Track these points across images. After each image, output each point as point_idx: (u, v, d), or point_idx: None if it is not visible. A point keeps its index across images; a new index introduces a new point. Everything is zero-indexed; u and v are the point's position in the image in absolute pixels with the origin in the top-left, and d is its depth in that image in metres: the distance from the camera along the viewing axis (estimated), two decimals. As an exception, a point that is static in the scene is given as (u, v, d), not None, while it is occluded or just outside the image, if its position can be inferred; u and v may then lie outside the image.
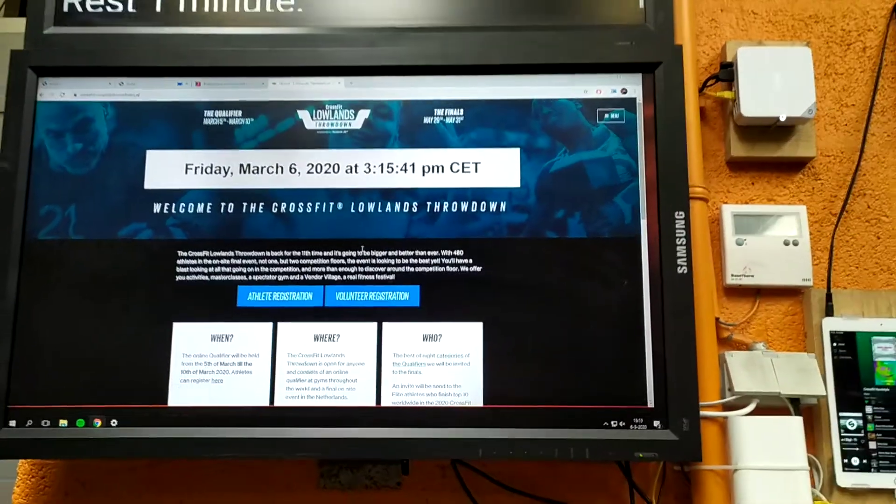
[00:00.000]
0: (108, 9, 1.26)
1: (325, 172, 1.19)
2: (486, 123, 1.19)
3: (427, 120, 1.20)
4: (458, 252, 1.16)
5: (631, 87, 1.20)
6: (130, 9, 1.26)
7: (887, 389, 1.20)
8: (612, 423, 1.10)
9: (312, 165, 1.19)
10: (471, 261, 1.16)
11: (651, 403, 1.11)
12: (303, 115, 1.20)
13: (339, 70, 1.21)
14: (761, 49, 1.31)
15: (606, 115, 1.19)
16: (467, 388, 1.12)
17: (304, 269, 1.16)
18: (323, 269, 1.16)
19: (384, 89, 1.21)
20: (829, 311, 1.24)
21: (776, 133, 1.32)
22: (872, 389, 1.20)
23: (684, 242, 1.13)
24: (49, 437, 1.11)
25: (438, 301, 1.15)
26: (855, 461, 1.18)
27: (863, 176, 1.34)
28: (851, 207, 1.33)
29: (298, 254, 1.16)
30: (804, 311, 1.28)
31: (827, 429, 1.20)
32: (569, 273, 1.15)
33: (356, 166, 1.19)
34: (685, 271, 1.13)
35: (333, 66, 1.21)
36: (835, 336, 1.22)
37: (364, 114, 1.20)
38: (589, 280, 1.14)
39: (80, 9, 1.26)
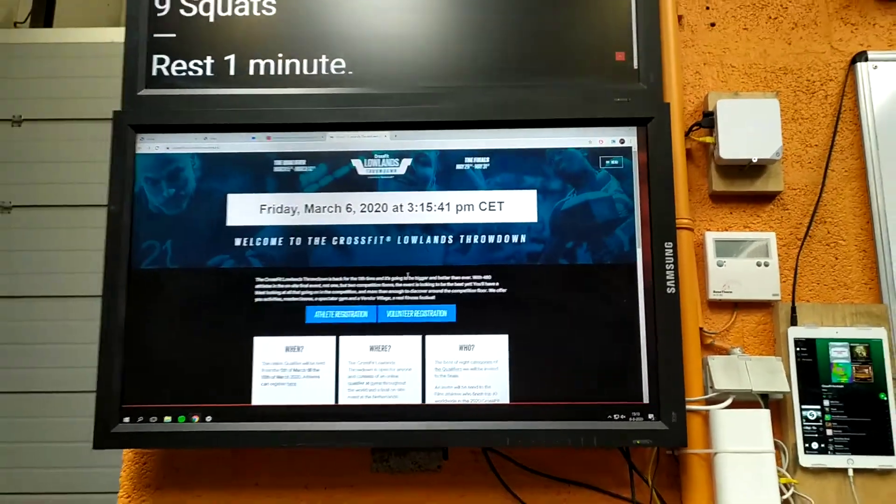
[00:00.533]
0: (191, 73, 1.51)
1: (376, 211, 1.44)
2: (508, 169, 1.44)
3: (459, 166, 1.45)
4: (487, 276, 1.41)
5: (628, 137, 1.45)
6: (209, 73, 1.51)
7: (841, 386, 1.45)
8: (615, 416, 1.35)
9: (365, 205, 1.44)
10: (497, 283, 1.41)
11: (646, 399, 1.36)
12: (356, 163, 1.45)
13: (386, 125, 1.46)
14: (737, 101, 1.56)
15: (607, 162, 1.44)
16: (496, 389, 1.37)
17: (360, 292, 1.41)
18: (376, 292, 1.41)
19: (423, 141, 1.46)
20: (793, 322, 1.49)
21: (750, 171, 1.57)
22: (829, 386, 1.45)
23: (672, 267, 1.39)
24: (157, 431, 1.36)
25: (471, 317, 1.40)
26: (815, 445, 1.44)
27: (824, 206, 1.59)
28: (814, 233, 1.58)
29: (355, 279, 1.41)
30: (774, 321, 1.53)
31: (791, 419, 1.45)
32: (578, 293, 1.40)
33: (401, 206, 1.44)
34: (673, 291, 1.38)
35: (381, 122, 1.46)
36: (798, 342, 1.48)
37: (407, 161, 1.45)
38: (594, 299, 1.40)
39: (166, 73, 1.51)
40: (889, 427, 1.42)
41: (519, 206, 1.43)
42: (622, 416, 1.35)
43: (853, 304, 1.52)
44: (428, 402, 1.38)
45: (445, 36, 1.51)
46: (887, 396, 1.43)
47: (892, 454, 1.41)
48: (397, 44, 1.51)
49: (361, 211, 1.44)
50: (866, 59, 1.63)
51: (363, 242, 1.43)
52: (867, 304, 1.51)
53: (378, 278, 1.41)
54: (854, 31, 1.67)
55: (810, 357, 1.47)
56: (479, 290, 1.41)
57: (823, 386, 1.45)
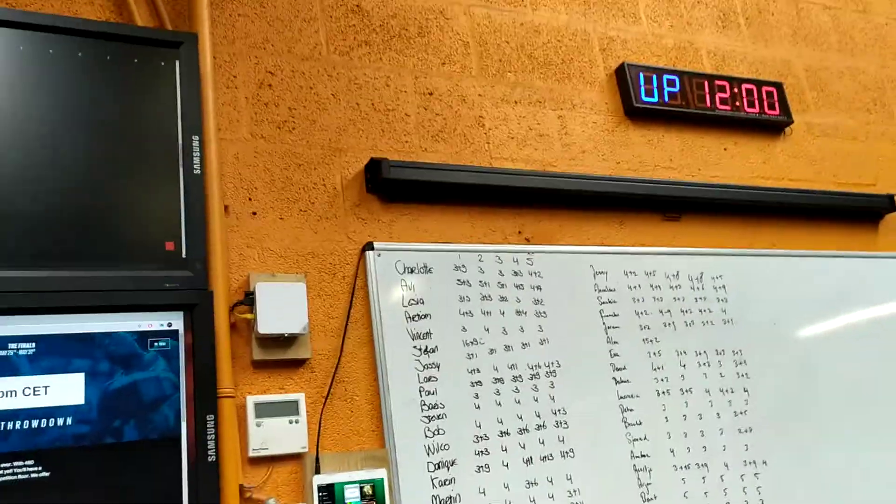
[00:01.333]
0: None
1: None
2: (55, 353, 1.52)
3: (2, 353, 1.47)
4: (29, 462, 1.44)
5: (175, 321, 1.64)
6: None
7: (355, 521, 1.78)
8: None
9: None
10: (40, 468, 1.45)
11: (188, 563, 1.51)
12: None
13: (-83, 313, 1.43)
14: (272, 284, 1.86)
15: (156, 344, 1.61)
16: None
17: None
18: None
19: (-39, 328, 1.46)
20: (317, 470, 1.80)
21: (284, 341, 1.87)
22: (345, 522, 1.77)
23: (213, 437, 1.59)
24: None
25: (10, 506, 1.41)
26: (335, 575, 1.73)
27: (342, 368, 1.96)
28: (335, 391, 1.93)
29: None
30: (303, 470, 1.82)
31: (316, 555, 1.73)
32: (125, 469, 1.51)
33: (-68, 395, 1.40)
34: (214, 459, 1.58)
35: (-89, 310, 1.42)
36: (321, 488, 1.78)
37: (-59, 349, 1.43)
38: (141, 473, 1.52)
39: None
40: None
41: (66, 390, 1.51)
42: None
43: (363, 450, 1.89)
44: None
45: (-10, 224, 1.54)
46: (387, 526, 1.81)
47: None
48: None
49: None
50: (373, 248, 2.08)
51: None
52: (374, 450, 1.90)
53: None
54: (364, 225, 2.12)
55: (330, 499, 1.77)
56: (20, 476, 1.43)
57: (340, 523, 1.77)
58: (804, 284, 2.60)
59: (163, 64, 1.82)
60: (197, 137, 1.80)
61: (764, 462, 2.27)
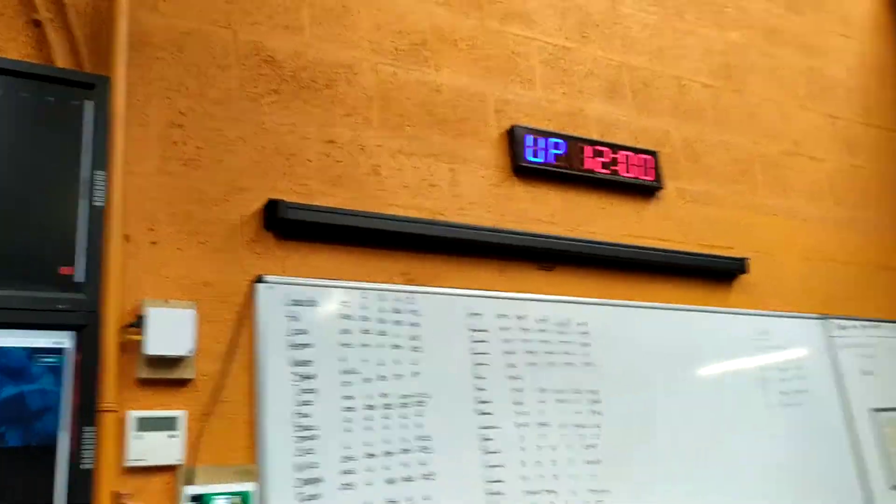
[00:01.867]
0: None
1: None
2: (-52, 363, 1.68)
3: None
4: (-86, 461, 1.60)
5: (66, 340, 1.82)
6: None
7: (221, 529, 1.97)
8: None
9: None
10: (-76, 467, 1.61)
11: (57, 559, 1.68)
12: None
13: None
14: (163, 309, 2.05)
15: (45, 359, 1.78)
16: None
17: None
18: None
19: None
20: (189, 481, 1.98)
21: (171, 362, 2.06)
22: (212, 530, 1.96)
23: (90, 447, 1.76)
24: None
25: None
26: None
27: (225, 389, 2.14)
28: (215, 410, 2.11)
29: None
30: (177, 481, 1.99)
31: (182, 559, 1.91)
32: (7, 472, 1.68)
33: None
34: (90, 467, 1.75)
35: None
36: (193, 497, 1.96)
37: None
38: (21, 477, 1.69)
39: None
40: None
41: (-45, 397, 1.67)
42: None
43: (238, 465, 2.08)
44: None
45: None
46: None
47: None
48: None
49: None
50: (264, 281, 2.28)
51: None
52: (246, 465, 2.09)
53: None
54: (258, 259, 2.33)
55: (199, 509, 1.96)
56: None
57: (206, 531, 1.96)
58: (662, 335, 2.90)
59: (75, 103, 2.01)
60: (101, 172, 1.99)
61: (607, 490, 2.54)
